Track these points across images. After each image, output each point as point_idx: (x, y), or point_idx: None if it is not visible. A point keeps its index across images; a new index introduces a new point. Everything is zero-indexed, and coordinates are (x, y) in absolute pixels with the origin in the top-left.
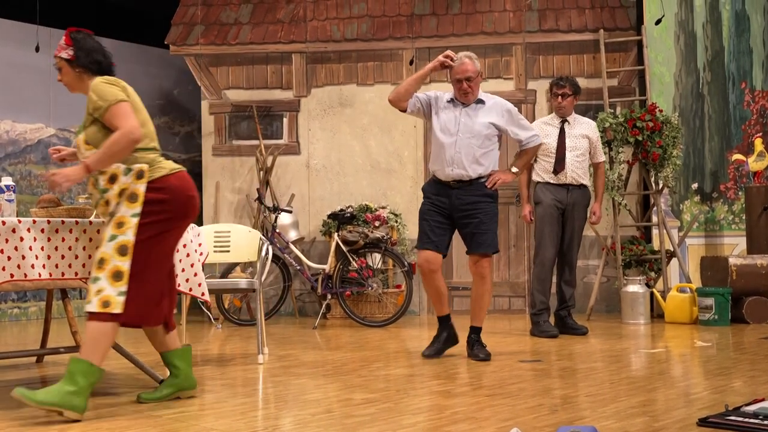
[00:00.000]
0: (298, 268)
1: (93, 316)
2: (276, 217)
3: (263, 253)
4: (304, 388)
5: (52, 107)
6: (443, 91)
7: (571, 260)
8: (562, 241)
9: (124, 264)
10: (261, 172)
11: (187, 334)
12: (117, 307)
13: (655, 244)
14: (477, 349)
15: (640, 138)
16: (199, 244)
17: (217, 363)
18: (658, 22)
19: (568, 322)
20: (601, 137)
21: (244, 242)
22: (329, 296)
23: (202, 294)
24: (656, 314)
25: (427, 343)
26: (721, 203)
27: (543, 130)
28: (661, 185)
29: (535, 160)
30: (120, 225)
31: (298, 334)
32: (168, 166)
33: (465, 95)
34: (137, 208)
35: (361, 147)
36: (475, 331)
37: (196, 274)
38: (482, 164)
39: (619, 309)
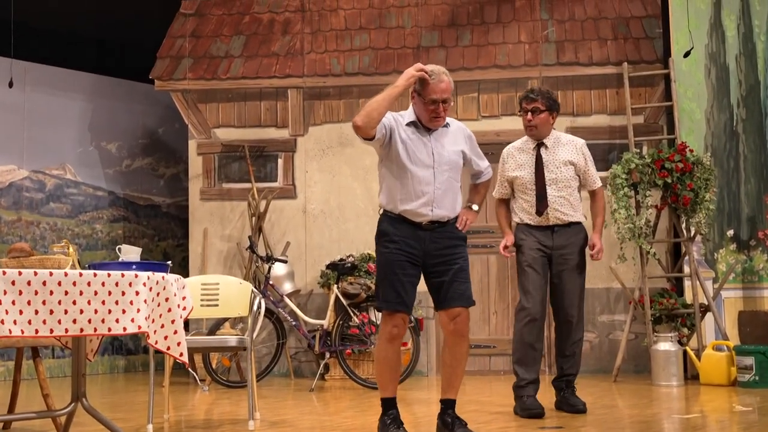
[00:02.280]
0: (294, 323)
1: None
2: (269, 268)
3: (255, 308)
4: None
5: (26, 147)
6: (397, 112)
7: (568, 317)
8: (554, 294)
9: None
10: (253, 218)
11: (170, 397)
12: None
13: (688, 297)
14: (461, 429)
15: (669, 180)
16: (183, 298)
17: (204, 429)
18: (687, 54)
19: (565, 395)
20: (627, 179)
21: (234, 295)
22: (328, 355)
23: (180, 354)
24: (690, 375)
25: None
26: (759, 252)
27: (516, 159)
28: (693, 232)
29: (513, 197)
30: None
31: (293, 397)
32: None
33: (436, 120)
34: None
35: (363, 190)
36: (451, 406)
37: (176, 332)
38: (459, 201)
39: (649, 369)
